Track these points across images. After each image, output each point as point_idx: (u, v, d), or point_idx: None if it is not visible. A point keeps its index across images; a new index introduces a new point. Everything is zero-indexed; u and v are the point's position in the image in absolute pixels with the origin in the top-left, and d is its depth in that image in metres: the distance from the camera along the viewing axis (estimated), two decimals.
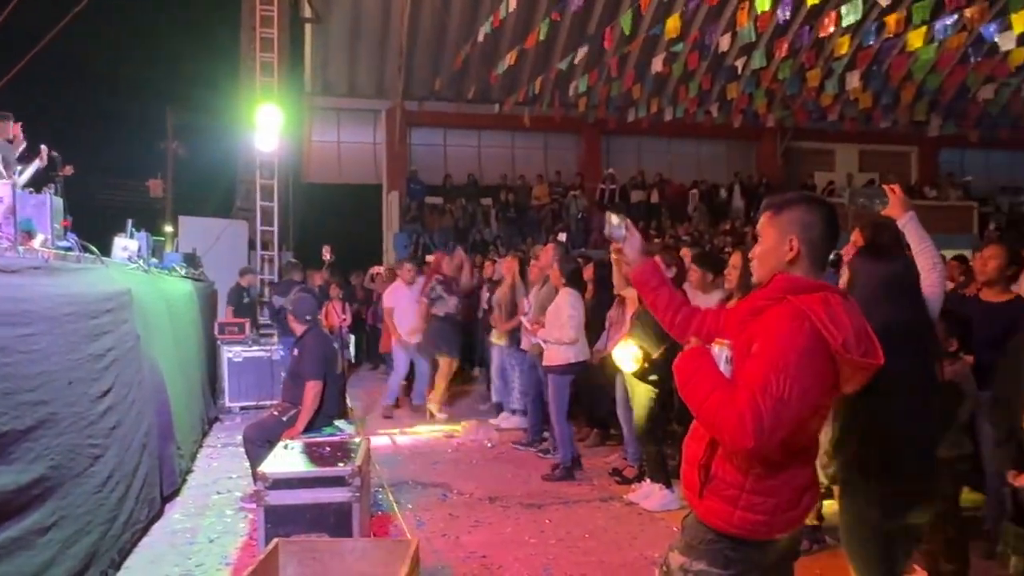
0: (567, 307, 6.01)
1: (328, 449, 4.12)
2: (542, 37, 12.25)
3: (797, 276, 1.94)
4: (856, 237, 3.12)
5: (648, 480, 5.38)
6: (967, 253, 15.57)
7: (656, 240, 15.84)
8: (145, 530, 4.44)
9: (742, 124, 16.53)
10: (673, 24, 11.23)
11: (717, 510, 1.91)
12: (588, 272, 6.79)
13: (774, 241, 1.98)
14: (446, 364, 8.41)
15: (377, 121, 18.32)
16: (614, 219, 2.36)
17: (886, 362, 1.94)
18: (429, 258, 9.84)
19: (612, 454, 6.53)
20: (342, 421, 5.45)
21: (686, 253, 6.31)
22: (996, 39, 11.71)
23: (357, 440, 4.48)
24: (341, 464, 3.75)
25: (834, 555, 3.97)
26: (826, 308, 1.82)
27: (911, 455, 2.52)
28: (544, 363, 6.13)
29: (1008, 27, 11.18)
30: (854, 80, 13.07)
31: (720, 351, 1.93)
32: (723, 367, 1.90)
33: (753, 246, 2.10)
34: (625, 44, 13.83)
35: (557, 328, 5.99)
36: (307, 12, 15.97)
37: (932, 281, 2.90)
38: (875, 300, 2.46)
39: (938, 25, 11.43)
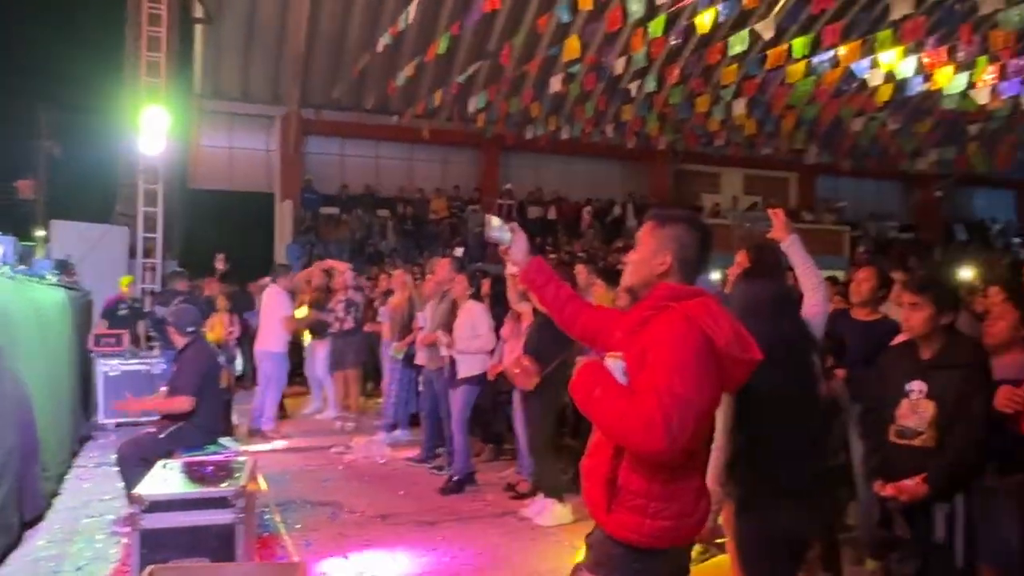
0: (484, 318, 6.03)
1: (210, 469, 3.93)
2: (441, 51, 12.24)
3: (676, 284, 2.02)
4: (741, 258, 3.24)
5: (542, 495, 5.40)
6: (839, 274, 16.61)
7: (552, 256, 16.09)
8: (2, 560, 4.09)
9: (635, 145, 17.03)
10: (572, 45, 11.47)
11: (627, 522, 1.93)
12: (484, 287, 6.81)
13: (650, 252, 2.05)
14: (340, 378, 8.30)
15: (271, 128, 17.80)
16: (495, 221, 2.39)
17: (769, 379, 2.01)
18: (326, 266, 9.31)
19: (506, 469, 6.53)
20: (227, 439, 5.22)
21: (581, 269, 6.42)
22: (866, 76, 12.59)
23: (242, 458, 4.29)
24: (224, 484, 3.58)
25: (716, 565, 4.09)
26: (708, 311, 1.91)
27: (799, 468, 2.63)
28: (460, 375, 6.05)
29: (876, 65, 12.04)
30: (740, 108, 13.71)
31: (614, 364, 1.95)
32: (620, 379, 1.92)
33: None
34: (524, 62, 14.03)
35: (474, 339, 5.97)
36: (198, 12, 15.37)
37: (816, 301, 3.05)
38: (757, 319, 2.55)
39: (816, 60, 12.19)
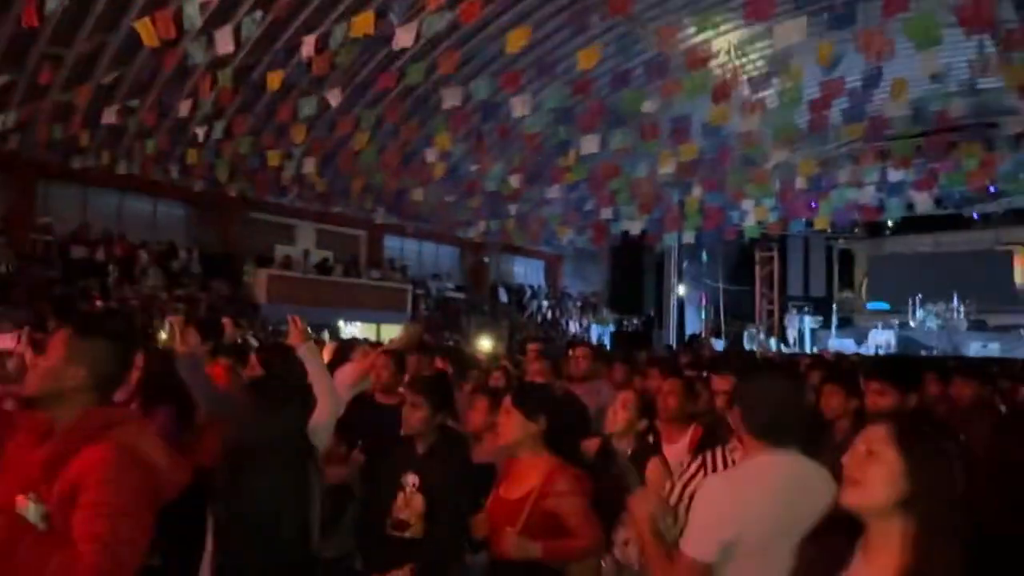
0: None
1: None
2: None
3: (104, 409, 1.90)
4: (253, 362, 3.23)
5: None
6: (399, 326, 17.46)
7: (100, 303, 14.38)
8: None
9: (205, 189, 16.25)
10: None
11: None
12: None
13: (61, 363, 1.88)
14: None
15: None
16: None
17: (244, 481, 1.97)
18: None
19: None
20: None
21: None
22: (426, 152, 13.85)
23: None
24: None
25: None
26: (141, 437, 1.85)
27: (282, 562, 2.68)
28: None
29: (433, 144, 13.34)
30: (310, 165, 14.01)
31: (32, 508, 1.72)
32: (37, 524, 1.71)
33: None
34: (72, 87, 12.52)
35: None
36: None
37: (324, 406, 3.17)
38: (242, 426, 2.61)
39: (381, 133, 13.08)
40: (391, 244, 22.44)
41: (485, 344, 12.01)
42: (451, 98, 10.69)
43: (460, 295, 23.35)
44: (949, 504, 1.52)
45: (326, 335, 14.50)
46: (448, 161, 14.62)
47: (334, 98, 10.97)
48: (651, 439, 3.43)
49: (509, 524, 2.68)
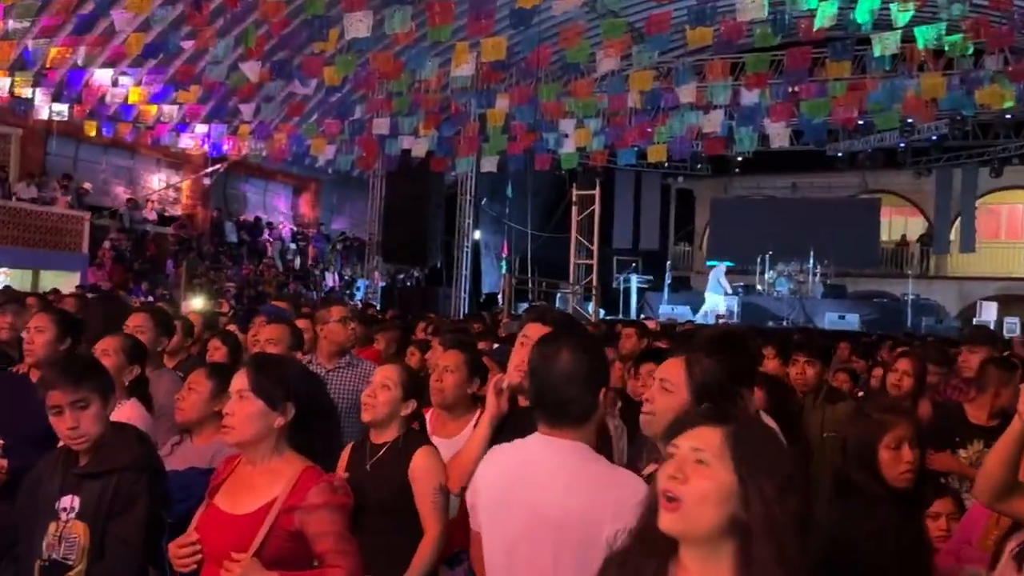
0: None
1: None
2: None
3: None
4: None
5: None
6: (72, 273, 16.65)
7: None
8: None
9: None
10: None
11: None
12: None
13: None
14: None
15: None
16: None
17: None
18: None
19: None
20: None
21: None
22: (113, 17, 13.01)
23: None
24: None
25: None
26: None
27: None
28: None
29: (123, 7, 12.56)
30: None
31: None
32: None
33: None
34: None
35: None
36: None
37: None
38: None
39: None
40: (61, 152, 20.87)
41: (198, 301, 11.64)
42: None
43: (167, 230, 22.35)
44: (789, 524, 1.65)
45: None
46: (147, 34, 13.75)
47: None
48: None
49: (236, 549, 2.57)
